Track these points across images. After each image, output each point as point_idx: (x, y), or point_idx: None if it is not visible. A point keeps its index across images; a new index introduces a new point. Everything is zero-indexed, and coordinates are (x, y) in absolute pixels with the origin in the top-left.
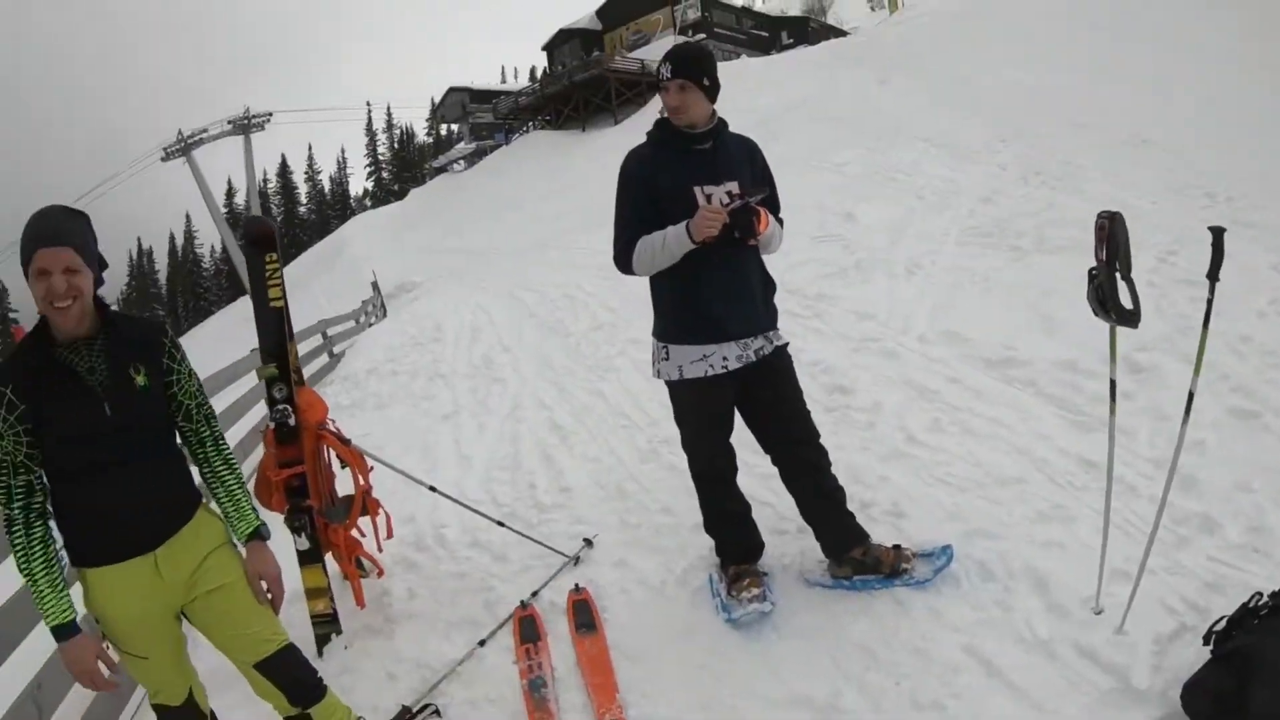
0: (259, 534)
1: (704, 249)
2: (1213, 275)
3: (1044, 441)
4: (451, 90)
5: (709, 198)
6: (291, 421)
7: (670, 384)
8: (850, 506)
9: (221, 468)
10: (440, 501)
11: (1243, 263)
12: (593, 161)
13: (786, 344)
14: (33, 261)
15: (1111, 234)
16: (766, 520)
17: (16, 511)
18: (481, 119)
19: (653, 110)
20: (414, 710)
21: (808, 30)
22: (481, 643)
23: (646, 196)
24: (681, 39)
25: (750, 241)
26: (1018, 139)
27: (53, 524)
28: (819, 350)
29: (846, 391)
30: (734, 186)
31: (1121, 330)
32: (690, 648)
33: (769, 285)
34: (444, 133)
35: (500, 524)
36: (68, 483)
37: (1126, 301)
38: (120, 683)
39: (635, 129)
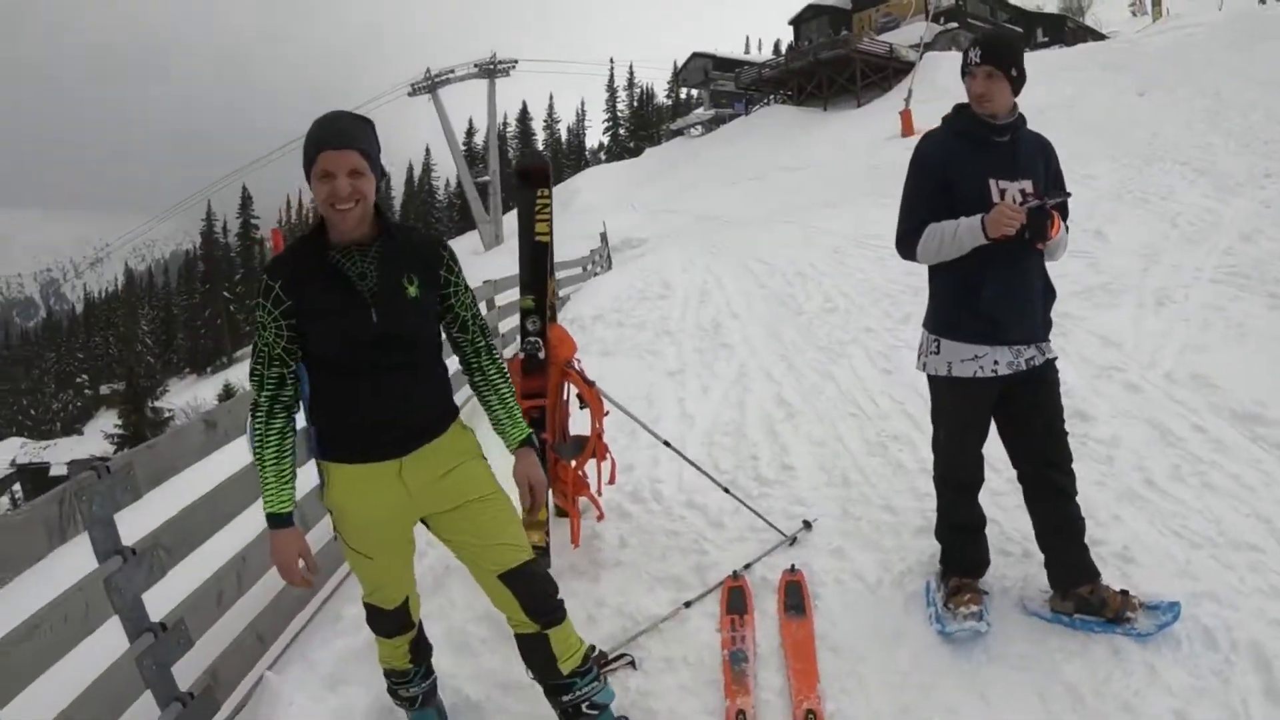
0: (530, 441)
1: (991, 246)
2: None
3: None
4: (695, 55)
5: (1003, 193)
6: (541, 355)
7: (934, 379)
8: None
9: (495, 376)
10: (660, 455)
11: None
12: (832, 141)
13: (1056, 358)
14: (317, 163)
15: None
16: (992, 537)
17: (263, 399)
18: (723, 87)
19: (897, 96)
20: (610, 657)
21: (1064, 30)
22: (688, 604)
23: (940, 184)
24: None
25: (1040, 245)
26: None
27: (299, 418)
28: (1059, 369)
29: (1086, 419)
30: (1028, 185)
31: None
32: (898, 652)
33: (1050, 293)
34: (683, 96)
35: (726, 490)
36: (327, 380)
37: None
38: (314, 583)
39: (878, 113)
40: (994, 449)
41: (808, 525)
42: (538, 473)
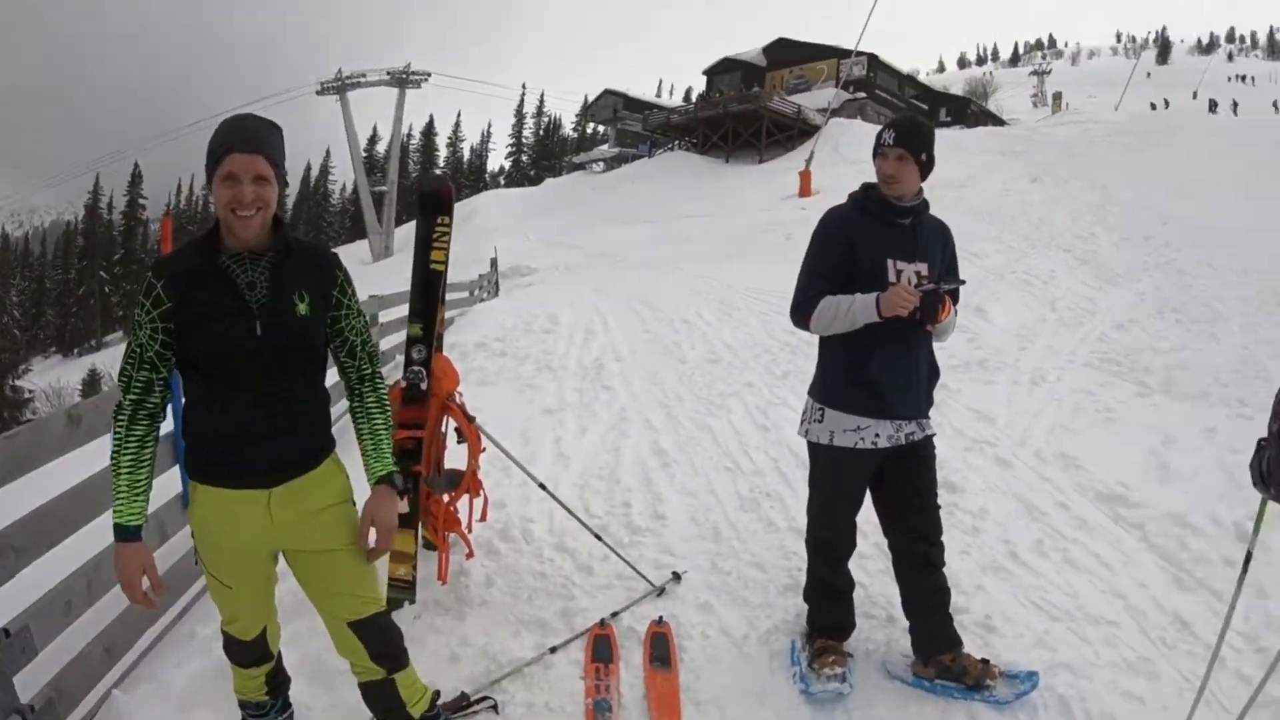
0: (391, 480)
1: (882, 323)
2: None
3: (1142, 590)
4: (607, 92)
5: (900, 273)
6: (424, 386)
7: (815, 446)
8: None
9: (374, 406)
10: (533, 494)
11: None
12: (730, 193)
13: (935, 434)
14: (223, 164)
15: None
16: (857, 601)
17: (128, 403)
18: (630, 127)
19: (799, 156)
20: (472, 699)
21: (966, 111)
22: (553, 649)
23: (841, 258)
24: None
25: (929, 327)
26: (1161, 270)
27: (162, 429)
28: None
29: (955, 490)
30: (924, 268)
31: (1233, 498)
32: (761, 710)
33: (934, 373)
34: (590, 131)
35: (597, 536)
36: (202, 392)
37: None
38: (156, 605)
39: (778, 171)
40: (864, 513)
41: (677, 577)
42: (388, 516)
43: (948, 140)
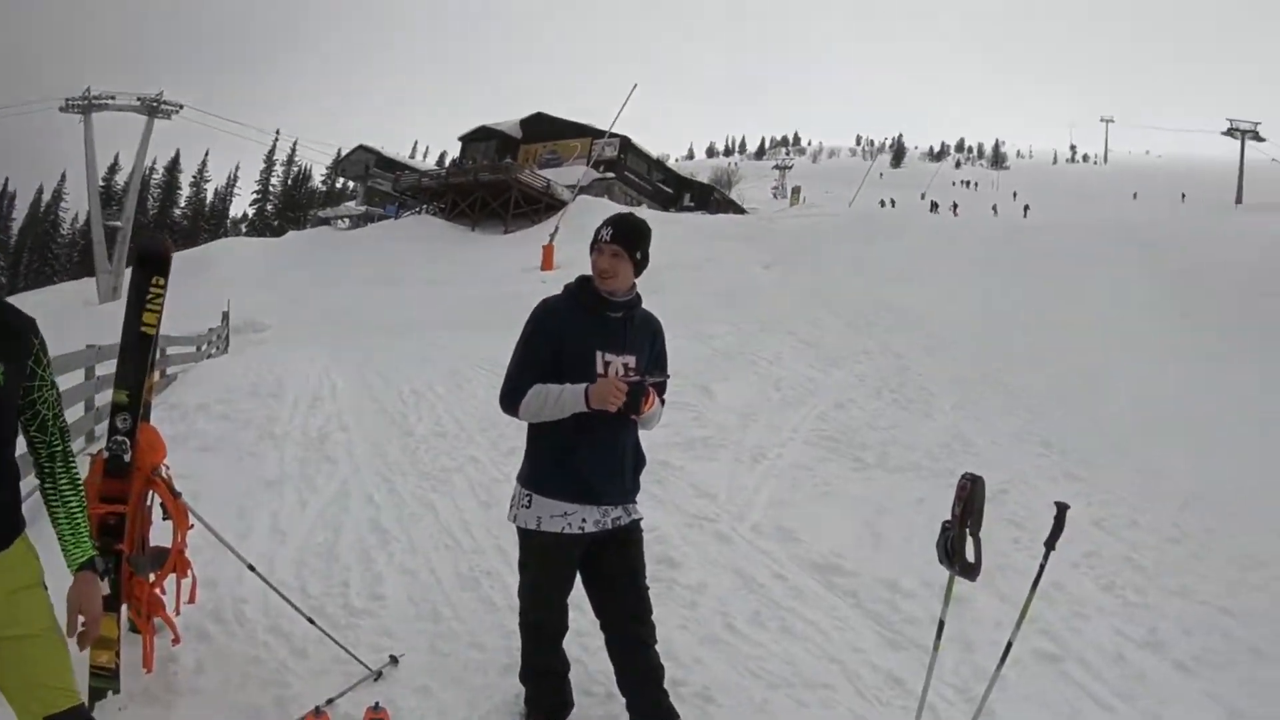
0: (93, 564)
1: (590, 413)
2: (1050, 544)
3: (857, 654)
4: (360, 148)
5: (608, 365)
6: (127, 457)
7: (524, 531)
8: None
9: (66, 486)
10: (245, 572)
11: (1068, 515)
12: (474, 262)
13: (641, 519)
14: None
15: (971, 495)
16: (576, 679)
17: None
18: (380, 185)
19: (543, 230)
20: None
21: (710, 198)
22: None
23: (551, 348)
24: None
25: (633, 416)
26: (881, 354)
27: None
28: (653, 517)
29: (674, 565)
30: (633, 361)
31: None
32: None
33: (640, 460)
34: (339, 185)
35: (311, 620)
36: None
37: (971, 556)
38: None
39: (522, 243)
40: (581, 590)
41: (394, 660)
42: (93, 605)
43: (691, 224)
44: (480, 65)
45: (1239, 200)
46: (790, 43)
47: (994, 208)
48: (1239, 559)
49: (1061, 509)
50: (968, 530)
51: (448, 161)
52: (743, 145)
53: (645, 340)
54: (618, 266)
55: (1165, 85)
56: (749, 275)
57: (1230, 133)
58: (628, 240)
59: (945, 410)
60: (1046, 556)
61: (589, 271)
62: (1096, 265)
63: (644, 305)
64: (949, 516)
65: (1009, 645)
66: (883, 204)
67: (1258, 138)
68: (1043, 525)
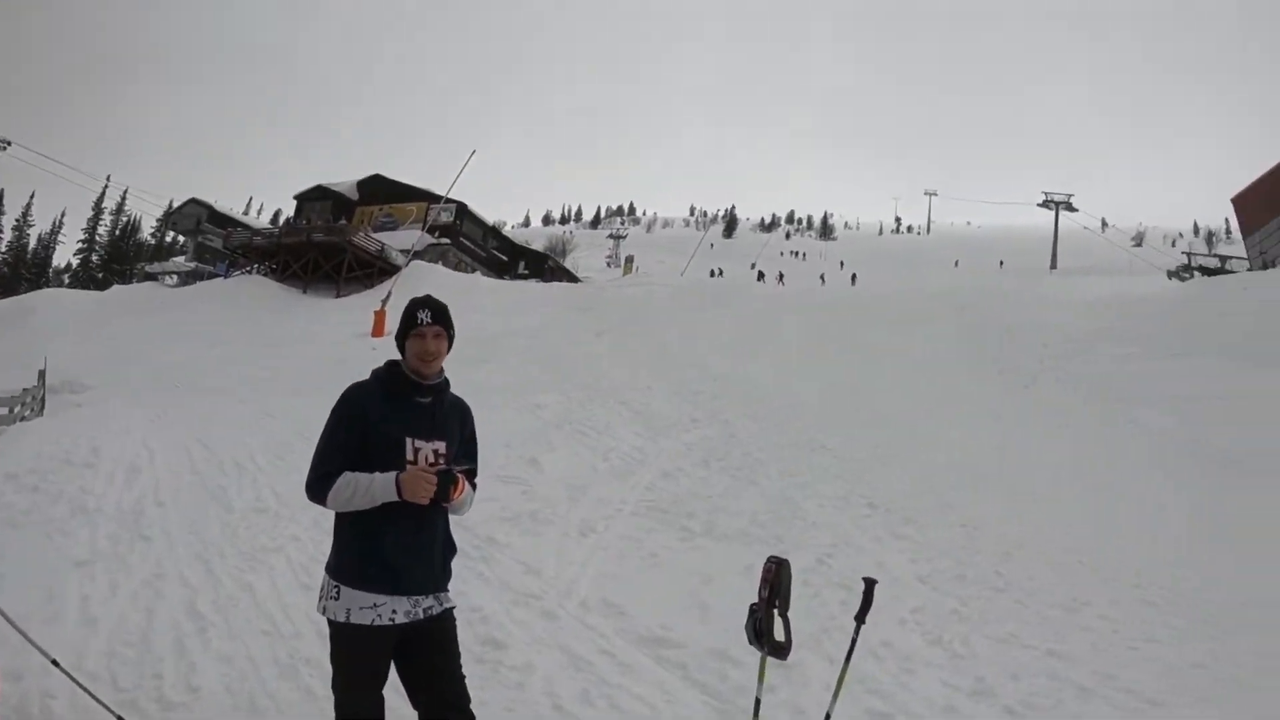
0: None
1: (399, 500)
2: (860, 618)
3: None
4: (192, 201)
5: (418, 452)
6: None
7: (334, 623)
8: None
9: None
10: (52, 666)
11: (893, 573)
12: (304, 326)
13: (454, 607)
14: None
15: (777, 578)
16: None
17: None
18: (211, 242)
19: (376, 295)
20: None
21: (544, 266)
22: None
23: (359, 434)
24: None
25: (444, 504)
26: (709, 422)
27: None
28: (479, 597)
29: (500, 646)
30: (442, 446)
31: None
32: None
33: (450, 547)
34: (170, 239)
35: (119, 718)
36: None
37: (780, 636)
38: None
39: (354, 308)
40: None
41: None
42: None
43: (524, 292)
44: (320, 122)
45: (1054, 265)
46: (629, 114)
47: (821, 277)
48: (1063, 602)
49: (869, 584)
50: (775, 611)
51: (282, 220)
52: (579, 214)
53: (455, 424)
54: (441, 348)
55: (985, 160)
56: (580, 344)
57: (1046, 204)
58: (446, 321)
59: (772, 476)
60: (857, 631)
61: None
62: (919, 329)
63: (478, 375)
64: (756, 600)
65: (827, 717)
66: (713, 274)
67: (1070, 208)
68: None
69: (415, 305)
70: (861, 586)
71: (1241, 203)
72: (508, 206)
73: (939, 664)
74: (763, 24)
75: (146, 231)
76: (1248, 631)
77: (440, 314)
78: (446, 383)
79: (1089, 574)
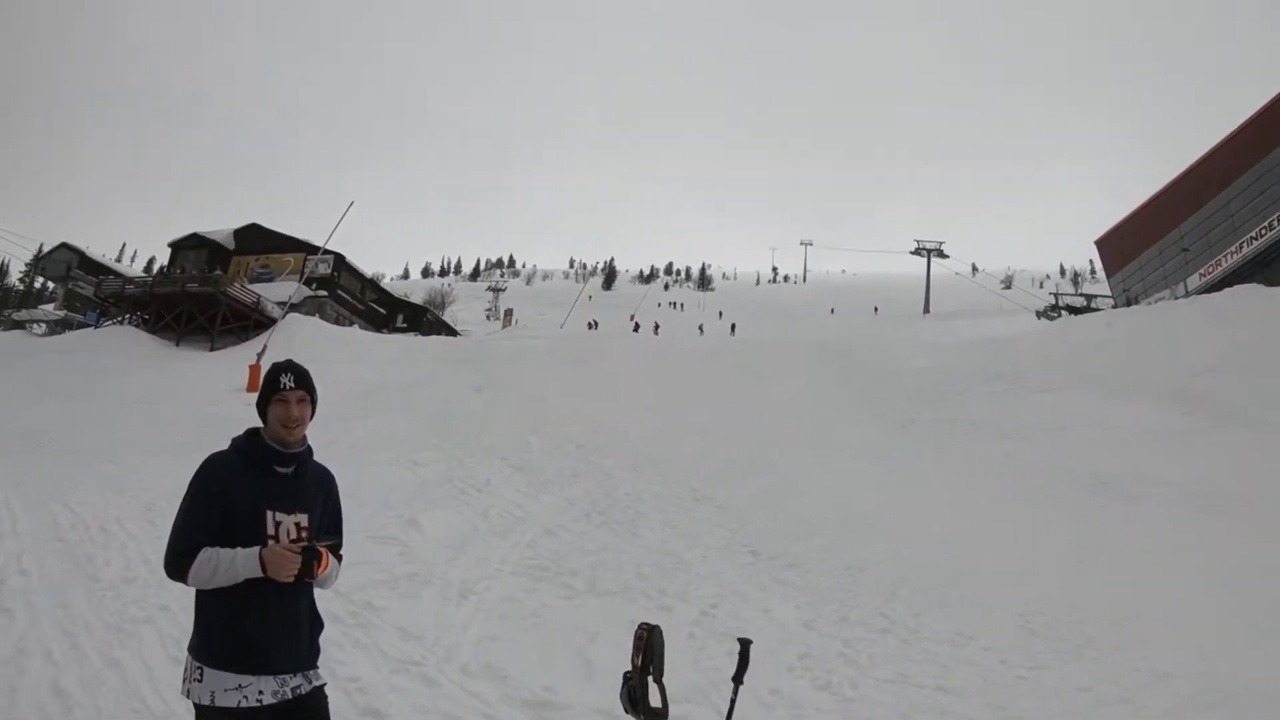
0: None
1: (263, 577)
2: (737, 679)
3: None
4: (63, 246)
5: (279, 525)
6: None
7: (199, 707)
8: None
9: None
10: None
11: (778, 619)
12: (177, 380)
13: (324, 684)
14: None
15: (649, 644)
16: None
17: None
18: (82, 289)
19: (251, 349)
20: None
21: (423, 319)
22: None
23: (219, 507)
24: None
25: (308, 579)
26: (589, 475)
27: None
28: (358, 665)
29: (380, 716)
30: (305, 520)
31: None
32: None
33: (317, 623)
34: (38, 285)
35: None
36: None
37: (656, 702)
38: None
39: (229, 361)
40: None
41: None
42: None
43: (403, 346)
44: (197, 169)
45: (926, 310)
46: (510, 168)
47: (700, 327)
48: (948, 637)
49: (744, 645)
50: (650, 678)
51: (156, 268)
52: (458, 266)
53: (318, 496)
54: (305, 413)
55: (859, 210)
56: (460, 398)
57: (918, 252)
58: (309, 385)
59: (654, 528)
60: (736, 691)
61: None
62: (796, 376)
63: (356, 431)
64: (629, 668)
65: None
66: (590, 325)
67: (941, 254)
68: (755, 633)
69: (277, 370)
70: (751, 630)
71: (1105, 245)
72: (387, 258)
73: (829, 709)
74: (639, 79)
75: (15, 276)
76: (1125, 649)
77: (302, 378)
78: (309, 451)
79: (972, 607)
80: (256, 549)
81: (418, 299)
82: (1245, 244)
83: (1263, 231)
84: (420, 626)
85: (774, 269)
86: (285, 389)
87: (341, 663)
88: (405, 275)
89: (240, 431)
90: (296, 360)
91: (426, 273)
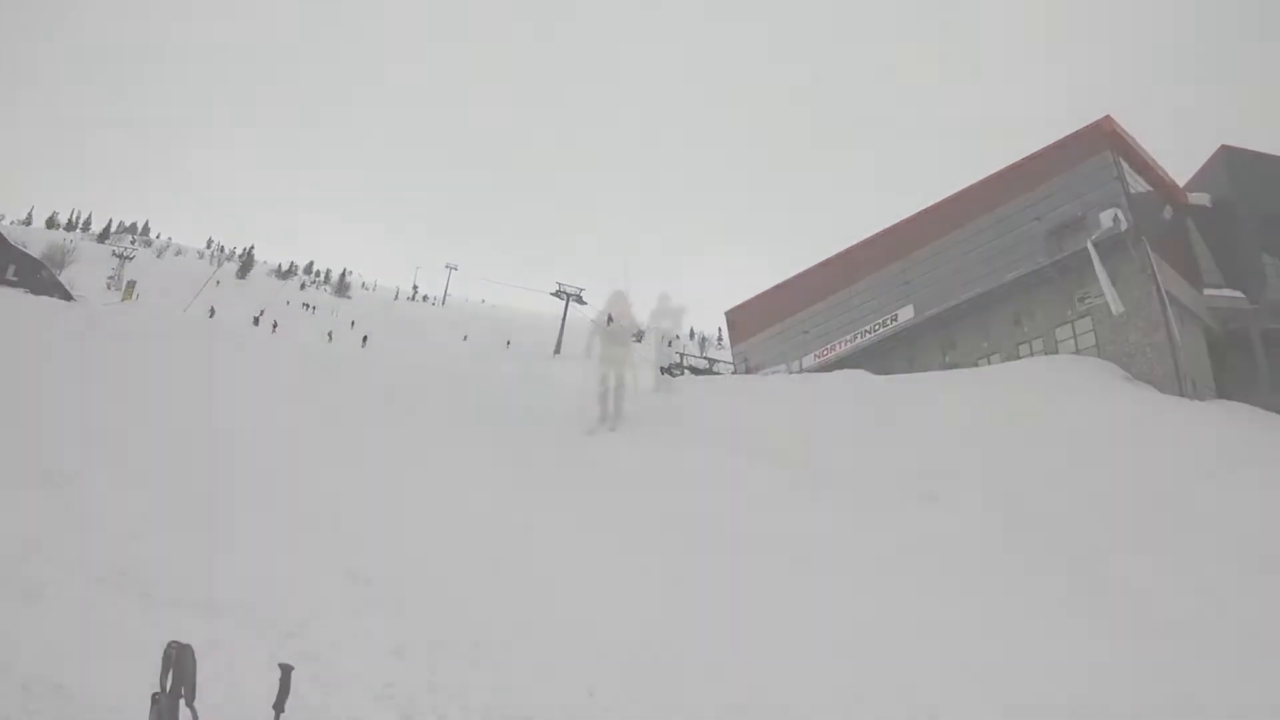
0: None
1: None
2: (278, 707)
3: None
4: None
5: None
6: None
7: None
8: None
9: None
10: None
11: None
12: None
13: None
14: None
15: (179, 662)
16: None
17: None
18: None
19: None
20: None
21: (38, 275)
22: None
23: None
24: None
25: None
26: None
27: None
28: None
29: None
30: None
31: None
32: None
33: None
34: None
35: None
36: None
37: None
38: None
39: None
40: None
41: None
42: None
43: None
44: None
45: (558, 350)
46: (149, 124)
47: (329, 334)
48: (538, 666)
49: (285, 671)
50: (181, 700)
51: None
52: (88, 222)
53: None
54: None
55: (510, 247)
56: None
57: (558, 294)
58: None
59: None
60: (276, 718)
61: None
62: (427, 399)
63: None
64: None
65: None
66: (211, 313)
67: (581, 300)
68: (342, 657)
69: None
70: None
71: (733, 317)
72: (10, 202)
73: None
74: (283, 70)
75: None
76: None
77: None
78: None
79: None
80: None
81: (36, 252)
82: (860, 335)
83: (876, 327)
84: None
85: (415, 286)
86: None
87: None
88: (28, 221)
89: None
90: None
91: (52, 223)
